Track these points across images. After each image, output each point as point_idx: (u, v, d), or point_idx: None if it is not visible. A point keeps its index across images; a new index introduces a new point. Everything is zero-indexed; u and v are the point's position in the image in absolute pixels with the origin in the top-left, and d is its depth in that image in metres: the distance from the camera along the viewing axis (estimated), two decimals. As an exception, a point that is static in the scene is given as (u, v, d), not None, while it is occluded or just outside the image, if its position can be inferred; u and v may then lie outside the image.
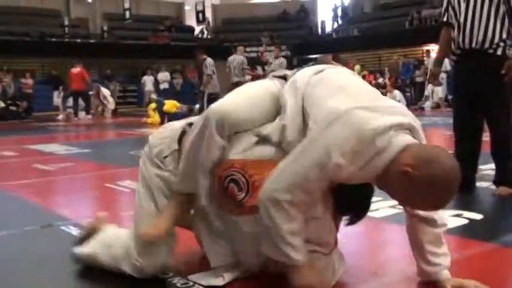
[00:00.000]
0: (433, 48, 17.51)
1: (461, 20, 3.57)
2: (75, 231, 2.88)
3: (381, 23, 22.30)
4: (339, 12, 24.78)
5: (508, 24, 3.49)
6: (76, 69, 15.34)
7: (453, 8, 3.66)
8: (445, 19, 3.77)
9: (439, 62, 4.07)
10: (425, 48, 18.05)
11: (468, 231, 2.77)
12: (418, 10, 20.15)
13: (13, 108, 16.12)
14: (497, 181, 3.66)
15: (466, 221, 2.90)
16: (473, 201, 3.54)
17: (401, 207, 3.17)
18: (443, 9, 3.81)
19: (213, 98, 9.96)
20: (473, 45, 3.53)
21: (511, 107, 3.58)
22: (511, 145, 3.61)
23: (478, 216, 3.01)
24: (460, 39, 3.59)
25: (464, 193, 3.66)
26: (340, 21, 24.68)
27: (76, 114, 15.52)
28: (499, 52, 3.47)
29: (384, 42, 20.20)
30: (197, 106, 12.17)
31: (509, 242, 2.57)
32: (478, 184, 3.81)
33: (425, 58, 17.08)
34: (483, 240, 2.59)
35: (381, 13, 23.82)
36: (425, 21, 19.61)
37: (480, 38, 3.49)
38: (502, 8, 3.47)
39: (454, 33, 3.66)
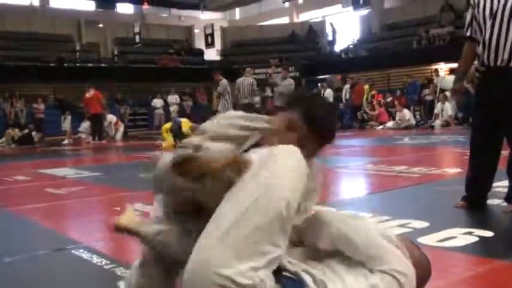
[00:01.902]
0: (442, 67, 17.54)
1: (487, 36, 3.49)
2: (86, 255, 2.91)
3: (389, 43, 22.38)
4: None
5: None
6: (90, 94, 15.44)
7: (478, 23, 3.58)
8: (468, 33, 3.67)
9: (462, 76, 3.92)
10: (434, 67, 18.07)
11: (479, 248, 2.76)
12: (426, 29, 20.19)
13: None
14: (510, 198, 3.62)
15: (476, 239, 2.89)
16: (484, 219, 3.52)
17: (410, 226, 3.19)
18: (466, 24, 3.70)
19: None
20: (499, 63, 3.47)
21: None
22: None
23: (489, 234, 2.98)
24: (485, 56, 3.52)
25: (475, 210, 3.66)
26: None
27: (94, 138, 15.59)
28: None
29: (392, 62, 20.25)
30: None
31: (520, 260, 2.55)
32: (489, 201, 3.78)
33: (434, 77, 17.08)
34: (494, 258, 2.58)
35: (389, 33, 23.89)
36: (434, 40, 19.64)
37: (506, 56, 3.43)
38: None
39: (478, 49, 3.58)
